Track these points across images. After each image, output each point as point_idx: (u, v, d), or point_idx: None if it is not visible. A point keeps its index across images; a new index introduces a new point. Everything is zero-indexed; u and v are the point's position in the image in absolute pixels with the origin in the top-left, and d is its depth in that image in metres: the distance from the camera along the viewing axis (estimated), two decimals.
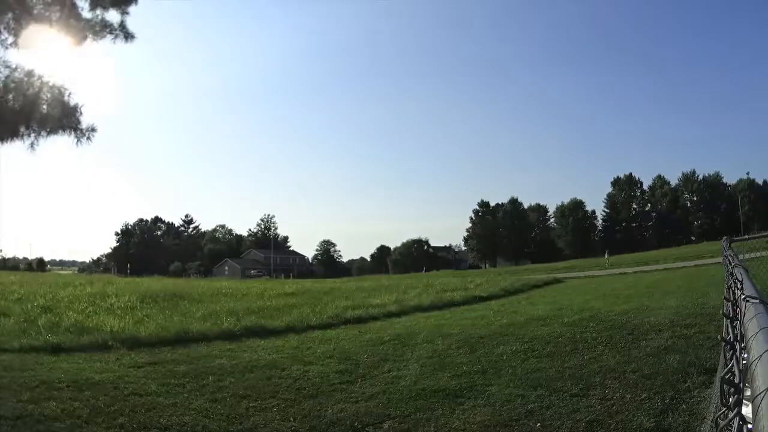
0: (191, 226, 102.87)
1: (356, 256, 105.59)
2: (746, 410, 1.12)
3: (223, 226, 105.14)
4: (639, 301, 12.23)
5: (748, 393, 1.14)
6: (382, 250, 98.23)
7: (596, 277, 26.30)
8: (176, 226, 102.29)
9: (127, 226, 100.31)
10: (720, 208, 75.64)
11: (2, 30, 7.77)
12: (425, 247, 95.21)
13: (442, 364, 7.27)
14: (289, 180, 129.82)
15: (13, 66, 7.93)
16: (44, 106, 8.14)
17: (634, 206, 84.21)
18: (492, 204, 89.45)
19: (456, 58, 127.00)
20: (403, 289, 18.74)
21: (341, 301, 15.25)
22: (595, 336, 8.41)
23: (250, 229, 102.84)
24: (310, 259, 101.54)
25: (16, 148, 8.12)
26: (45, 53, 8.22)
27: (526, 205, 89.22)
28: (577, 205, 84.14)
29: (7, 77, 7.91)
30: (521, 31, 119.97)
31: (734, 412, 1.15)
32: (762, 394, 0.88)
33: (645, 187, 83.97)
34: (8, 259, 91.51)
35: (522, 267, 52.94)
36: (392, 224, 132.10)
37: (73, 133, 8.34)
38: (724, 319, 2.38)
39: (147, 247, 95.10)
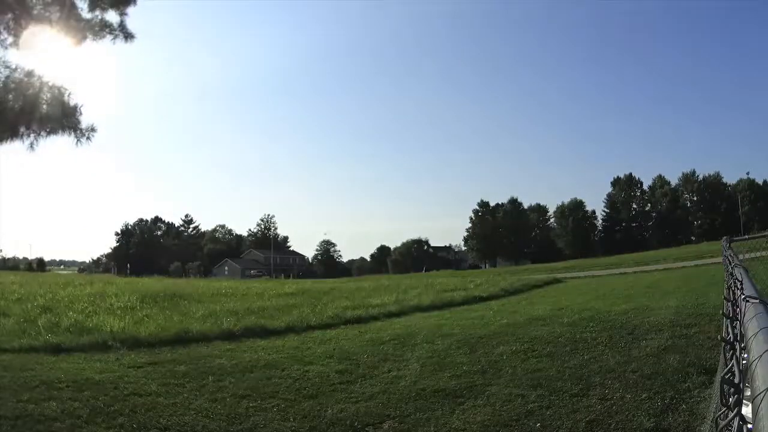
0: (191, 226, 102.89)
1: (356, 256, 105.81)
2: (746, 410, 1.12)
3: (223, 226, 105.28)
4: (639, 301, 12.23)
5: (748, 393, 1.14)
6: (382, 250, 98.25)
7: (596, 277, 26.32)
8: (176, 226, 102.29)
9: (127, 226, 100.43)
10: (720, 208, 75.60)
11: (2, 30, 7.76)
12: (425, 247, 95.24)
13: (442, 364, 7.27)
14: (289, 180, 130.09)
15: (13, 66, 7.93)
16: (44, 106, 8.14)
17: (634, 206, 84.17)
18: (492, 204, 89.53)
19: (456, 58, 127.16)
20: (403, 289, 18.75)
21: (341, 301, 15.25)
22: (595, 336, 8.41)
23: (250, 229, 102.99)
24: (310, 259, 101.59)
25: (16, 148, 8.12)
26: (45, 53, 8.21)
27: (526, 205, 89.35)
28: (577, 205, 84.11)
29: (7, 77, 7.90)
30: (521, 31, 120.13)
31: (734, 412, 1.15)
32: (762, 394, 0.88)
33: (645, 187, 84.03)
34: (8, 259, 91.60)
35: (522, 267, 52.91)
36: (392, 224, 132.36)
37: (73, 133, 8.33)
38: (724, 319, 2.38)
39: (147, 247, 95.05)
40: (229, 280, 41.18)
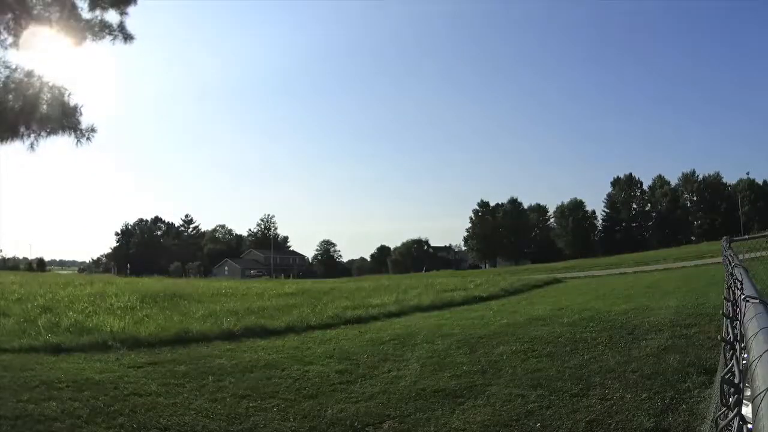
0: (191, 226, 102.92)
1: (356, 256, 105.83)
2: (746, 410, 1.12)
3: (223, 226, 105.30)
4: (639, 301, 12.23)
5: (748, 393, 1.14)
6: (382, 250, 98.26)
7: (596, 277, 26.32)
8: (176, 226, 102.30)
9: (127, 226, 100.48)
10: (720, 208, 75.60)
11: (2, 30, 7.76)
12: (425, 247, 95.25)
13: (442, 364, 7.27)
14: (289, 180, 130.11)
15: (13, 66, 7.93)
16: (44, 107, 8.14)
17: (634, 206, 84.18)
18: (492, 204, 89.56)
19: (456, 58, 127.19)
20: (403, 289, 18.75)
21: (341, 301, 15.26)
22: (595, 336, 8.41)
23: (250, 229, 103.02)
24: (310, 259, 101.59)
25: (16, 148, 8.13)
26: (45, 53, 8.21)
27: (526, 205, 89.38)
28: (577, 205, 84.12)
29: (7, 77, 7.90)
30: (521, 31, 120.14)
31: (734, 412, 1.15)
32: (762, 394, 0.88)
33: (645, 187, 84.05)
34: (8, 259, 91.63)
35: (522, 267, 52.92)
36: (392, 224, 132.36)
37: (73, 133, 8.33)
38: (724, 319, 2.38)
39: (147, 247, 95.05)
40: (229, 280, 41.18)
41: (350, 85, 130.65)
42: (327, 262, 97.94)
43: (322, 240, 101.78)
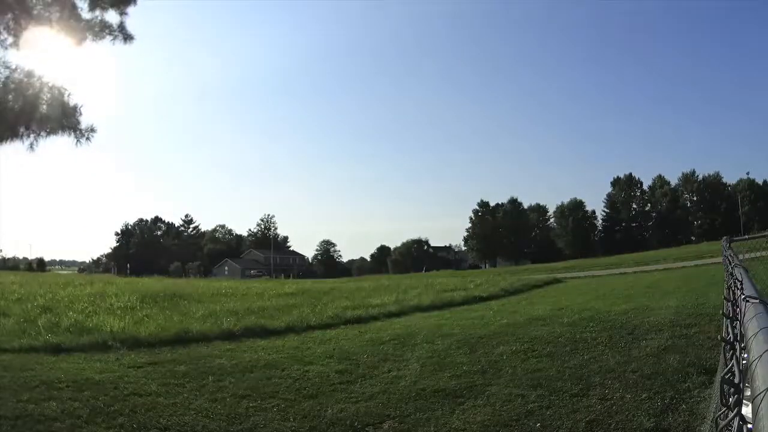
0: (191, 226, 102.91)
1: (356, 256, 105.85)
2: (746, 410, 1.12)
3: (223, 226, 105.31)
4: (639, 301, 12.23)
5: (748, 393, 1.14)
6: (382, 250, 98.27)
7: (596, 277, 26.32)
8: (176, 226, 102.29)
9: (127, 226, 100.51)
10: (720, 208, 75.61)
11: (2, 30, 7.76)
12: (425, 247, 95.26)
13: (442, 364, 7.27)
14: (289, 180, 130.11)
15: (13, 66, 7.93)
16: (44, 107, 8.14)
17: (634, 206, 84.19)
18: (492, 204, 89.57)
19: (456, 58, 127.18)
20: (403, 289, 18.75)
21: (341, 301, 15.26)
22: (595, 336, 8.41)
23: (250, 229, 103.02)
24: (310, 259, 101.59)
25: (16, 148, 8.12)
26: (45, 54, 8.21)
27: (526, 205, 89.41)
28: (577, 205, 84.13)
29: (7, 78, 7.90)
30: (521, 31, 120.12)
31: (734, 412, 1.15)
32: (762, 394, 0.88)
33: (645, 187, 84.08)
34: (8, 259, 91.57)
35: (522, 267, 52.93)
36: (392, 224, 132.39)
37: (72, 133, 8.34)
38: (724, 319, 2.38)
39: (147, 247, 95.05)
40: (229, 280, 41.18)
41: (350, 85, 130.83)
42: (327, 262, 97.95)
43: (322, 240, 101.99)
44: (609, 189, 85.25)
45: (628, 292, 15.30)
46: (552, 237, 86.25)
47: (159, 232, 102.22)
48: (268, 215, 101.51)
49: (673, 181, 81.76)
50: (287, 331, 10.47)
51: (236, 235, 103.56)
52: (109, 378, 6.44)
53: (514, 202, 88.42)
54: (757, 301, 1.78)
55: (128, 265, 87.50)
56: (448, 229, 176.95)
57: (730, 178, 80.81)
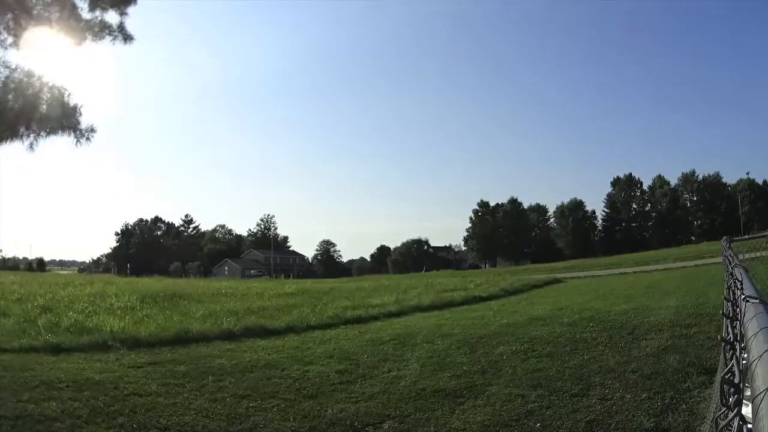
0: (191, 226, 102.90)
1: (356, 256, 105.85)
2: (746, 410, 1.12)
3: (223, 226, 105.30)
4: (639, 301, 12.23)
5: (748, 393, 1.14)
6: (382, 250, 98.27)
7: (596, 277, 26.32)
8: (176, 226, 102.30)
9: (127, 226, 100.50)
10: (720, 208, 75.61)
11: (2, 30, 7.76)
12: (425, 247, 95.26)
13: (442, 364, 7.27)
14: (289, 180, 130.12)
15: (13, 66, 7.93)
16: (44, 107, 8.14)
17: (634, 206, 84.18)
18: (492, 204, 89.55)
19: (456, 58, 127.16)
20: (403, 289, 18.75)
21: (341, 301, 15.26)
22: (595, 336, 8.41)
23: (250, 229, 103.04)
24: (310, 259, 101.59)
25: (16, 148, 8.13)
26: (45, 53, 8.21)
27: (526, 205, 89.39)
28: (577, 205, 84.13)
29: (6, 77, 7.91)
30: (521, 31, 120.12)
31: (734, 412, 1.15)
32: (762, 394, 0.88)
33: (645, 187, 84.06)
34: (8, 259, 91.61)
35: (522, 267, 52.93)
36: (392, 224, 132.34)
37: (72, 133, 8.34)
38: (724, 319, 2.38)
39: (147, 247, 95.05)
40: (229, 280, 41.18)
41: (350, 85, 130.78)
42: (327, 262, 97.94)
43: (322, 240, 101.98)
44: (609, 189, 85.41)
45: (628, 292, 15.30)
46: (552, 237, 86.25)
47: (159, 232, 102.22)
48: (268, 215, 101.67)
49: (673, 181, 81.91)
50: (287, 331, 10.47)
51: (236, 235, 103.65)
52: (109, 378, 6.44)
53: (514, 202, 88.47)
54: (757, 301, 1.78)
55: (128, 265, 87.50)
56: (448, 229, 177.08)
57: (730, 178, 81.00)
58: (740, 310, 1.98)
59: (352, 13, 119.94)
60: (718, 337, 4.55)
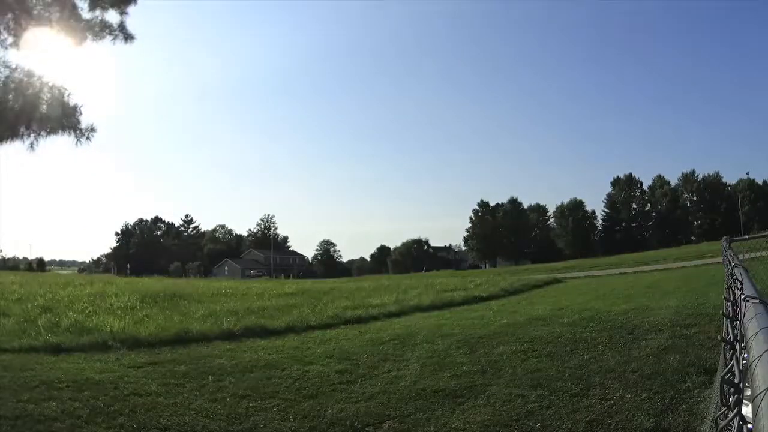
0: (191, 226, 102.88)
1: (356, 256, 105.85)
2: (746, 410, 1.12)
3: (223, 226, 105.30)
4: (639, 301, 12.23)
5: (748, 393, 1.14)
6: (382, 250, 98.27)
7: (596, 277, 26.32)
8: (176, 226, 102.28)
9: (127, 226, 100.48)
10: (720, 208, 75.62)
11: (2, 30, 7.76)
12: (425, 247, 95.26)
13: (442, 364, 7.27)
14: (289, 180, 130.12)
15: (13, 66, 7.93)
16: (44, 107, 8.14)
17: (634, 206, 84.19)
18: (492, 204, 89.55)
19: (456, 58, 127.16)
20: (403, 289, 18.75)
21: (341, 301, 15.26)
22: (595, 336, 8.41)
23: (250, 229, 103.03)
24: (310, 259, 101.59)
25: (16, 148, 8.13)
26: (45, 54, 8.21)
27: (526, 205, 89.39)
28: (576, 205, 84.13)
29: (7, 77, 7.90)
30: (521, 31, 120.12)
31: (734, 412, 1.15)
32: (762, 394, 0.88)
33: (645, 187, 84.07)
34: (8, 259, 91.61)
35: (522, 267, 52.93)
36: (392, 224, 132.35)
37: (72, 133, 8.34)
38: (724, 319, 2.38)
39: (147, 247, 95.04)
40: (229, 280, 41.18)
41: (350, 85, 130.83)
42: (327, 262, 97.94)
43: (322, 240, 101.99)
44: (609, 189, 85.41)
45: (628, 292, 15.30)
46: (552, 237, 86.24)
47: (159, 232, 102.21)
48: (268, 215, 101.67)
49: (673, 181, 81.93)
50: (287, 331, 10.47)
51: (236, 235, 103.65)
52: (109, 378, 6.44)
53: (514, 202, 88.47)
54: (757, 301, 1.78)
55: (128, 265, 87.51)
56: (448, 229, 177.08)
57: (730, 178, 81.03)
58: (740, 310, 1.98)
59: (352, 13, 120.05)
60: (718, 337, 4.55)
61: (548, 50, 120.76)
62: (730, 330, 1.99)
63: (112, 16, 8.49)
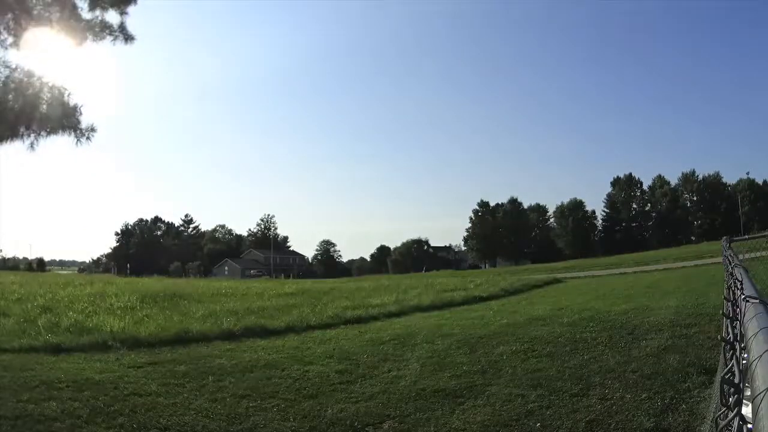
0: (191, 226, 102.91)
1: (356, 256, 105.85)
2: (746, 410, 1.12)
3: (223, 226, 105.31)
4: (639, 301, 12.23)
5: (748, 393, 1.14)
6: (382, 250, 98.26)
7: (596, 277, 26.32)
8: (176, 226, 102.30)
9: (127, 226, 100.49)
10: (720, 208, 75.62)
11: (2, 30, 7.76)
12: (425, 247, 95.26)
13: (442, 364, 7.27)
14: (289, 180, 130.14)
15: (13, 66, 7.93)
16: (44, 107, 8.14)
17: (634, 206, 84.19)
18: (492, 204, 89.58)
19: (456, 58, 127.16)
20: (403, 289, 18.75)
21: (341, 301, 15.26)
22: (595, 336, 8.41)
23: (250, 229, 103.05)
24: (310, 259, 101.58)
25: (16, 148, 8.12)
26: (45, 54, 8.21)
27: (526, 205, 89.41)
28: (576, 205, 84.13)
29: (7, 77, 7.90)
30: (521, 31, 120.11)
31: (734, 412, 1.15)
32: (762, 394, 0.88)
33: (645, 187, 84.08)
34: (8, 259, 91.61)
35: (522, 267, 52.92)
36: (392, 224, 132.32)
37: (72, 133, 8.33)
38: (724, 319, 2.38)
39: (147, 247, 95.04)
40: (229, 280, 41.17)
41: (350, 85, 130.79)
42: (327, 262, 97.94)
43: (322, 240, 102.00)
44: (609, 189, 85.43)
45: (628, 292, 15.30)
46: (552, 237, 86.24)
47: (159, 232, 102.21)
48: (268, 215, 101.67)
49: (673, 181, 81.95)
50: (287, 331, 10.47)
51: (236, 235, 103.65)
52: (109, 378, 6.44)
53: (514, 202, 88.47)
54: (757, 301, 1.78)
55: (128, 265, 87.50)
56: (448, 229, 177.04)
57: (730, 178, 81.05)
58: (740, 310, 1.98)
59: (352, 13, 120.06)
60: (718, 337, 4.55)
61: (548, 50, 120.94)
62: (730, 330, 1.99)
63: (112, 17, 8.50)
